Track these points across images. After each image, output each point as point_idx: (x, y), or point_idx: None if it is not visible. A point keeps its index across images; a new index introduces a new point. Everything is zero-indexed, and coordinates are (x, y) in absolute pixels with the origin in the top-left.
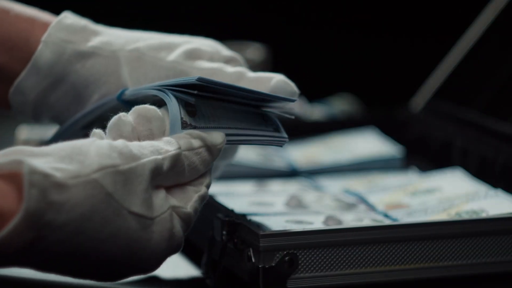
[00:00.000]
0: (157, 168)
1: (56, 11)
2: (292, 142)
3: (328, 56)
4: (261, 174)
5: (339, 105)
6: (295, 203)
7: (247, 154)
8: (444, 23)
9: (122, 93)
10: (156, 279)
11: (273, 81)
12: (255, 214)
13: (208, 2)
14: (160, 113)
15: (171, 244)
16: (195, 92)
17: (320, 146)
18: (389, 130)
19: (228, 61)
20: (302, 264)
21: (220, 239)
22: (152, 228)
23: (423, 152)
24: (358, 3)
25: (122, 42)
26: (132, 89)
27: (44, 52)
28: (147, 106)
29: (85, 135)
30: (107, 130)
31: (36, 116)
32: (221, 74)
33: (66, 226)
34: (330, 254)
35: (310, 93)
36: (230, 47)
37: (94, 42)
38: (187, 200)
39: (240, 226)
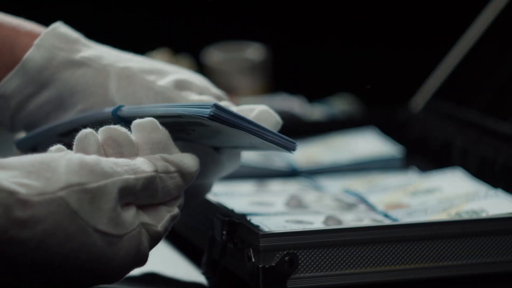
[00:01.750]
0: (128, 187)
1: (42, 22)
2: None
3: (328, 56)
4: (261, 174)
5: (339, 105)
6: (295, 203)
7: (247, 154)
8: (444, 23)
9: (118, 108)
10: (156, 279)
11: (255, 112)
12: (255, 214)
13: (208, 2)
14: (132, 138)
15: (137, 259)
16: (207, 116)
17: (320, 146)
18: (389, 130)
19: (216, 98)
20: (302, 264)
21: (220, 239)
22: (118, 245)
23: (423, 152)
24: (358, 3)
25: (113, 59)
26: (131, 107)
27: (34, 55)
28: (118, 129)
29: (59, 142)
30: (74, 143)
31: (13, 124)
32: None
33: (28, 242)
34: (330, 254)
35: (310, 93)
36: (230, 47)
37: (86, 53)
38: (159, 219)
39: (240, 226)
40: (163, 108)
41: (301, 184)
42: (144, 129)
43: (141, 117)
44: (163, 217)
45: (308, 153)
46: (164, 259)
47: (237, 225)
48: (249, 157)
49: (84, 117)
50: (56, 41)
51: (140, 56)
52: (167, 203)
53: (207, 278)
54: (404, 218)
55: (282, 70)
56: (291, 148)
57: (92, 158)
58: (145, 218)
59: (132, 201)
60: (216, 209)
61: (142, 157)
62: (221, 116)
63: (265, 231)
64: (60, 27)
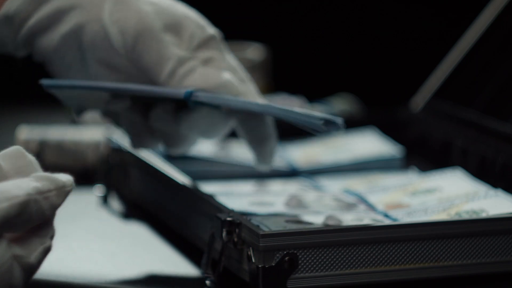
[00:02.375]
0: (2, 218)
1: None
2: (292, 142)
3: (328, 56)
4: (261, 174)
5: (339, 105)
6: (295, 203)
7: (247, 154)
8: (444, 23)
9: (191, 93)
10: (156, 279)
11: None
12: (255, 214)
13: (209, 2)
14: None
15: None
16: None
17: (320, 146)
18: (389, 130)
19: (206, 41)
20: (302, 264)
21: (220, 239)
22: None
23: (423, 152)
24: (358, 3)
25: None
26: (207, 94)
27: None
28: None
29: (107, 103)
30: None
31: (16, 44)
32: (175, 64)
33: None
34: (330, 254)
35: (310, 93)
36: (230, 47)
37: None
38: (32, 250)
39: (240, 226)
40: (241, 104)
41: (301, 184)
42: (10, 157)
43: (215, 105)
44: (35, 249)
45: (308, 153)
46: (164, 259)
47: (237, 225)
48: (249, 157)
49: (152, 91)
50: None
51: None
52: (39, 234)
53: (207, 278)
54: (404, 218)
55: (282, 70)
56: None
57: None
58: (17, 250)
59: (7, 231)
60: (216, 209)
61: (13, 181)
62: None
63: (265, 231)
64: None
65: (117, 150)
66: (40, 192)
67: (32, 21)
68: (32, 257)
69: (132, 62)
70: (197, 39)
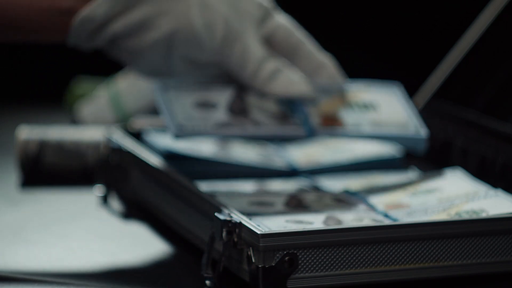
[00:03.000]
0: None
1: None
2: (292, 142)
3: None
4: (261, 174)
5: None
6: (295, 203)
7: (247, 154)
8: (443, 23)
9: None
10: (156, 279)
11: None
12: (255, 214)
13: None
14: None
15: None
16: None
17: (320, 146)
18: None
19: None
20: (302, 264)
21: (220, 239)
22: None
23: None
24: (358, 3)
25: None
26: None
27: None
28: None
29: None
30: None
31: (91, 40)
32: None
33: None
34: (330, 254)
35: None
36: None
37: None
38: None
39: (240, 226)
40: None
41: (300, 184)
42: None
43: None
44: None
45: (308, 153)
46: (164, 259)
47: (237, 225)
48: (249, 157)
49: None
50: None
51: None
52: None
53: (207, 278)
54: (404, 218)
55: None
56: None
57: None
58: None
59: None
60: (216, 209)
61: None
62: None
63: (265, 231)
64: None
65: (117, 150)
66: None
67: (119, 25)
68: None
69: (220, 63)
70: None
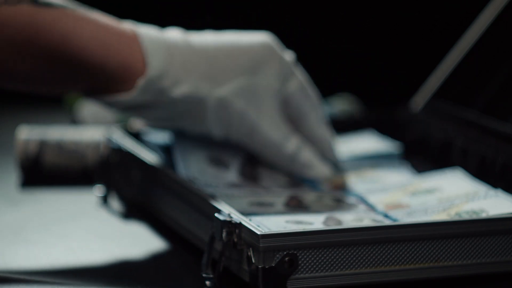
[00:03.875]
0: None
1: None
2: None
3: (328, 56)
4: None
5: (339, 105)
6: (295, 203)
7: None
8: (443, 23)
9: None
10: (156, 279)
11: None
12: (255, 214)
13: (209, 2)
14: None
15: None
16: None
17: None
18: (389, 131)
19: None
20: (302, 264)
21: (220, 239)
22: None
23: (423, 152)
24: (358, 3)
25: (207, 86)
26: None
27: (139, 95)
28: None
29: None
30: None
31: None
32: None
33: None
34: (330, 254)
35: None
36: None
37: (182, 89)
38: None
39: (240, 226)
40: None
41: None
42: None
43: None
44: None
45: None
46: (163, 259)
47: (237, 225)
48: None
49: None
50: (155, 83)
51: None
52: None
53: (207, 278)
54: (404, 218)
55: None
56: None
57: None
58: None
59: None
60: (216, 209)
61: None
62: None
63: (265, 231)
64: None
65: (117, 150)
66: None
67: (143, 114)
68: None
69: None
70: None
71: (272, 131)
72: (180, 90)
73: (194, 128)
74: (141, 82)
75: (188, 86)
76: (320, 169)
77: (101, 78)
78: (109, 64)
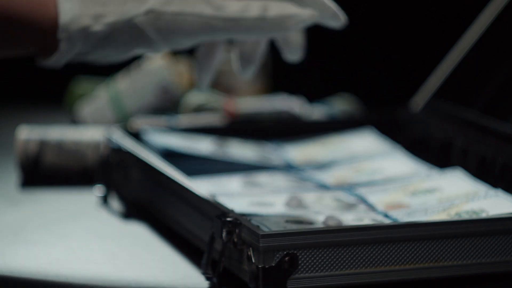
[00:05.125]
0: None
1: None
2: (291, 142)
3: (328, 56)
4: (251, 168)
5: (339, 105)
6: (295, 203)
7: (245, 153)
8: (443, 23)
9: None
10: (156, 279)
11: None
12: (255, 214)
13: None
14: None
15: None
16: None
17: (318, 146)
18: (389, 130)
19: None
20: (302, 264)
21: (220, 239)
22: None
23: (423, 152)
24: (358, 3)
25: (132, 5)
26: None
27: (64, 45)
28: None
29: None
30: None
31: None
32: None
33: None
34: (330, 254)
35: (310, 93)
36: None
37: (107, 18)
38: None
39: (240, 226)
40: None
41: (288, 176)
42: None
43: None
44: None
45: (306, 152)
46: (164, 259)
47: (237, 225)
48: (248, 156)
49: None
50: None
51: None
52: None
53: (207, 278)
54: (404, 218)
55: (282, 70)
56: None
57: None
58: None
59: None
60: (216, 209)
61: None
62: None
63: (265, 231)
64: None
65: (117, 150)
66: None
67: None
68: None
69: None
70: None
71: (224, 9)
72: (105, 21)
73: (147, 51)
74: (60, 32)
75: (111, 15)
76: (301, 13)
77: (28, 34)
78: (35, 18)
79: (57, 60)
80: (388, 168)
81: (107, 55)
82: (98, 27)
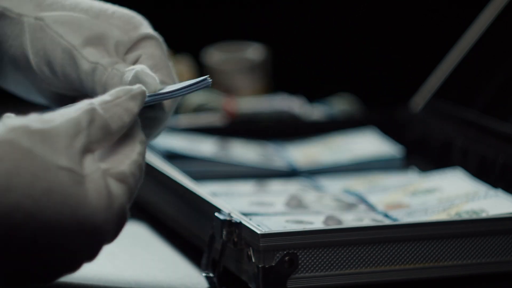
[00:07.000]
0: (74, 126)
1: None
2: (292, 142)
3: (328, 56)
4: (261, 174)
5: (339, 105)
6: (295, 203)
7: (247, 154)
8: (444, 23)
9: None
10: (156, 279)
11: (131, 75)
12: (255, 214)
13: (208, 2)
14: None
15: (111, 203)
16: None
17: (320, 146)
18: (389, 130)
19: (137, 42)
20: (302, 264)
21: (220, 239)
22: (85, 184)
23: (423, 152)
24: (358, 3)
25: (31, 6)
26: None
27: None
28: None
29: None
30: None
31: None
32: (100, 72)
33: None
34: (330, 254)
35: (310, 93)
36: (230, 47)
37: (4, 2)
38: (119, 162)
39: (240, 226)
40: (167, 95)
41: (301, 184)
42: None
43: (151, 104)
44: (122, 160)
45: (308, 153)
46: (164, 259)
47: (237, 225)
48: (249, 157)
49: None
50: None
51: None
52: (124, 147)
53: (207, 278)
54: (404, 218)
55: (282, 70)
56: (206, 85)
57: (29, 115)
58: (103, 164)
59: (88, 141)
60: (216, 209)
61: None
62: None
63: (265, 231)
64: None
65: None
66: (106, 102)
67: None
68: (122, 166)
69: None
70: (123, 45)
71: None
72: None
73: (16, 53)
74: None
75: (6, 2)
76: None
77: None
78: None
79: None
80: (444, 188)
81: None
82: None
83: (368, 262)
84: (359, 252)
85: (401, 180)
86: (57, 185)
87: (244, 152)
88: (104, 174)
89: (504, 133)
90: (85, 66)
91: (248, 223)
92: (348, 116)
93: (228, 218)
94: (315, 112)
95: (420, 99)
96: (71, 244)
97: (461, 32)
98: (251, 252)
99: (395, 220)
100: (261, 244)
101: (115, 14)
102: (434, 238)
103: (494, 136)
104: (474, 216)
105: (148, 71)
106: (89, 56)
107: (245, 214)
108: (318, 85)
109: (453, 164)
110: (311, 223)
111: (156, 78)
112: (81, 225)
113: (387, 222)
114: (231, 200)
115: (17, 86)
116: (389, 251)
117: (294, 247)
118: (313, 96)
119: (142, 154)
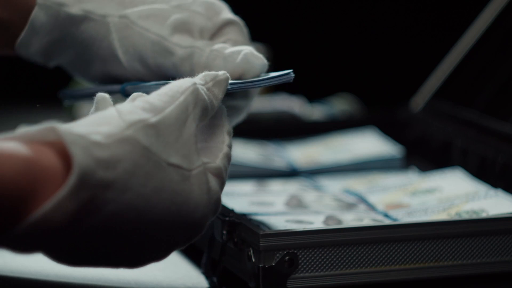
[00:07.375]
0: (183, 112)
1: None
2: (292, 142)
3: (328, 56)
4: (261, 174)
5: (339, 105)
6: (295, 203)
7: (247, 154)
8: (443, 23)
9: (124, 88)
10: (156, 280)
11: (240, 57)
12: (255, 214)
13: None
14: None
15: (210, 199)
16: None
17: (320, 146)
18: (389, 130)
19: (220, 28)
20: (302, 264)
21: (220, 239)
22: (190, 180)
23: (423, 152)
24: (358, 3)
25: (113, 6)
26: (132, 85)
27: (39, 14)
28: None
29: None
30: None
31: (47, 62)
32: (198, 55)
33: (115, 183)
34: (330, 254)
35: (310, 93)
36: None
37: (87, 5)
38: (214, 158)
39: (240, 226)
40: (249, 84)
41: (301, 184)
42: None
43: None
44: (217, 156)
45: (308, 153)
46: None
47: (237, 225)
48: (249, 157)
49: (97, 90)
50: None
51: None
52: (216, 144)
53: (207, 278)
54: (404, 218)
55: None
56: (288, 79)
57: (138, 100)
58: (204, 158)
59: (191, 124)
60: None
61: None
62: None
63: (265, 231)
64: None
65: None
66: (202, 84)
67: (57, 52)
68: (217, 161)
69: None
70: (208, 29)
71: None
72: (83, 6)
73: (104, 55)
74: None
75: (89, 4)
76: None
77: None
78: None
79: (27, 38)
80: (444, 188)
81: (69, 53)
82: (74, 9)
83: (368, 262)
84: (359, 252)
85: (401, 180)
86: (167, 183)
87: (244, 152)
88: (205, 170)
89: (504, 133)
90: (179, 52)
91: (248, 223)
92: (348, 116)
93: (228, 218)
94: (315, 112)
95: (420, 99)
96: (171, 238)
97: (461, 32)
98: (251, 252)
99: (395, 220)
100: (261, 244)
101: (196, 2)
102: (434, 238)
103: (494, 136)
104: (474, 216)
105: (256, 53)
106: (181, 42)
107: (245, 214)
108: (318, 85)
109: (453, 164)
110: (311, 223)
111: (265, 60)
112: (184, 220)
113: (387, 222)
114: (231, 200)
115: (100, 79)
116: (389, 251)
117: (294, 247)
118: (313, 96)
119: (230, 146)
